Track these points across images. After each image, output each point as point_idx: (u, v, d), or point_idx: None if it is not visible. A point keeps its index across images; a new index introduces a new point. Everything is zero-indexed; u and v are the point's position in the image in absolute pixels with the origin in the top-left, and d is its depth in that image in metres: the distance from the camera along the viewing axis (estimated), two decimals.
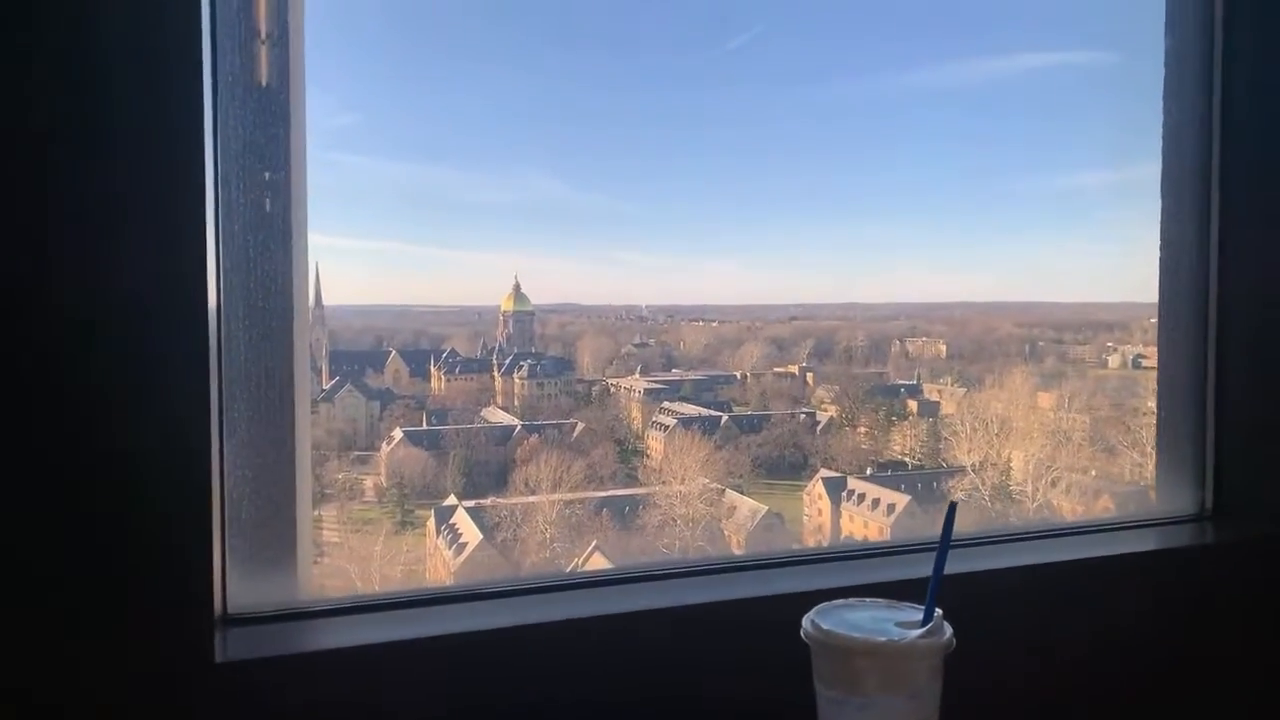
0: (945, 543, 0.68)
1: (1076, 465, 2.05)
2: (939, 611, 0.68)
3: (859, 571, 0.87)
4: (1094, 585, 0.89)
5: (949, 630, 0.68)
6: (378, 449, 1.98)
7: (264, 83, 0.83)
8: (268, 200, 0.83)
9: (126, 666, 0.66)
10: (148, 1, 0.66)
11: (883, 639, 0.67)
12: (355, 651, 0.74)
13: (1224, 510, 1.04)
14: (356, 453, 1.97)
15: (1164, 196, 1.08)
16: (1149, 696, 0.90)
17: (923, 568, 0.86)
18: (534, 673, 0.76)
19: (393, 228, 1.90)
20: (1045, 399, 2.09)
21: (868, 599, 0.74)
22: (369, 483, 1.95)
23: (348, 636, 0.76)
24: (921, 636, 0.67)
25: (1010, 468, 2.03)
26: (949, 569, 0.71)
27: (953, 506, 0.70)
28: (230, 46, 0.79)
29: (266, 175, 0.85)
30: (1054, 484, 2.09)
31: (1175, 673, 0.91)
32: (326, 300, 1.81)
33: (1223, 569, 0.95)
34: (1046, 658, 0.86)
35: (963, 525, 0.71)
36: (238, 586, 0.78)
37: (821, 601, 0.72)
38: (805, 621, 0.69)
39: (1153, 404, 1.52)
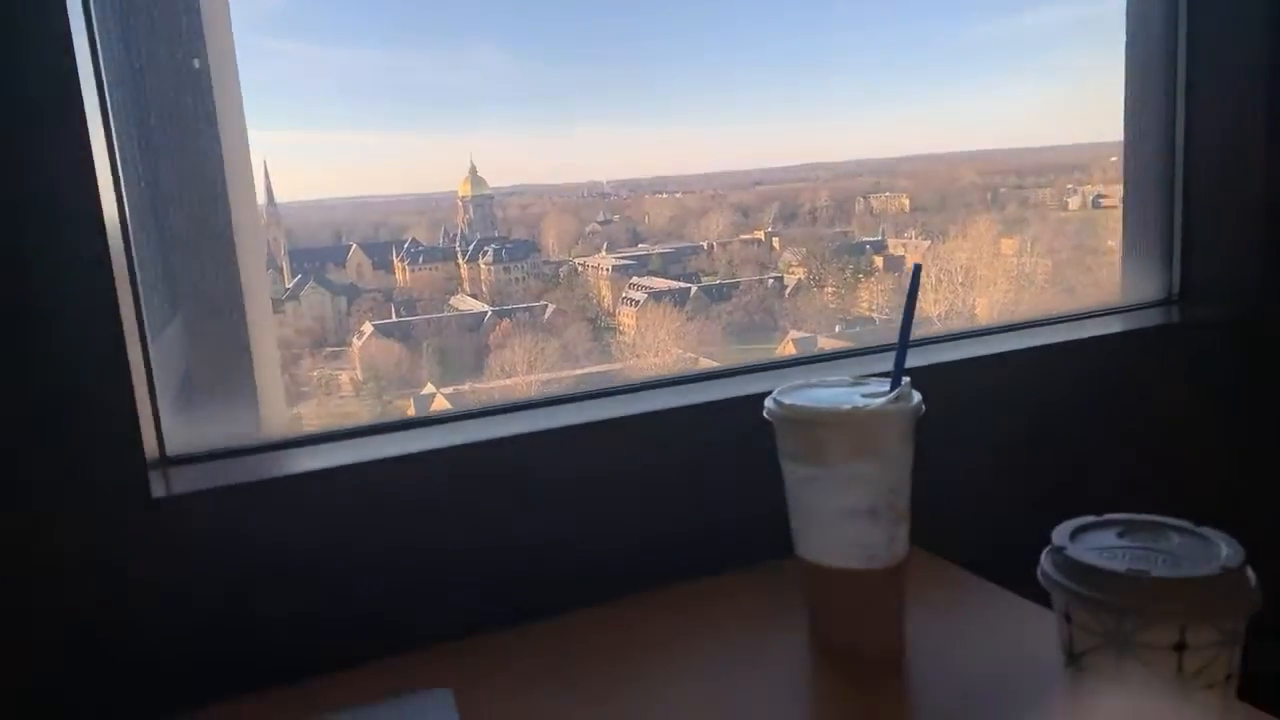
0: (911, 307, 0.69)
1: (1039, 307, 2.08)
2: (906, 379, 0.70)
3: (826, 372, 0.89)
4: (1064, 367, 0.91)
5: (917, 396, 0.69)
6: (349, 344, 1.97)
7: None
8: (189, 94, 0.80)
9: (62, 506, 0.67)
10: None
11: (849, 407, 0.68)
12: (297, 479, 0.74)
13: (1190, 294, 1.06)
14: (328, 349, 1.96)
15: None
16: (1114, 466, 0.93)
17: (888, 365, 0.88)
18: (493, 488, 0.77)
19: (339, 116, 1.84)
20: (1008, 245, 2.10)
21: (830, 378, 0.75)
22: (345, 377, 1.94)
23: (290, 465, 0.77)
24: (889, 402, 0.68)
25: (975, 314, 2.06)
26: (919, 360, 0.72)
27: (917, 268, 0.70)
28: None
29: (195, 63, 0.82)
30: None
31: (1147, 445, 0.94)
32: (279, 198, 1.76)
33: (1190, 348, 0.98)
34: (1009, 434, 0.88)
35: (927, 332, 0.72)
36: (188, 434, 0.78)
37: None
38: (768, 400, 0.71)
39: (1112, 243, 1.53)
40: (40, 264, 0.64)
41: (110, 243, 0.67)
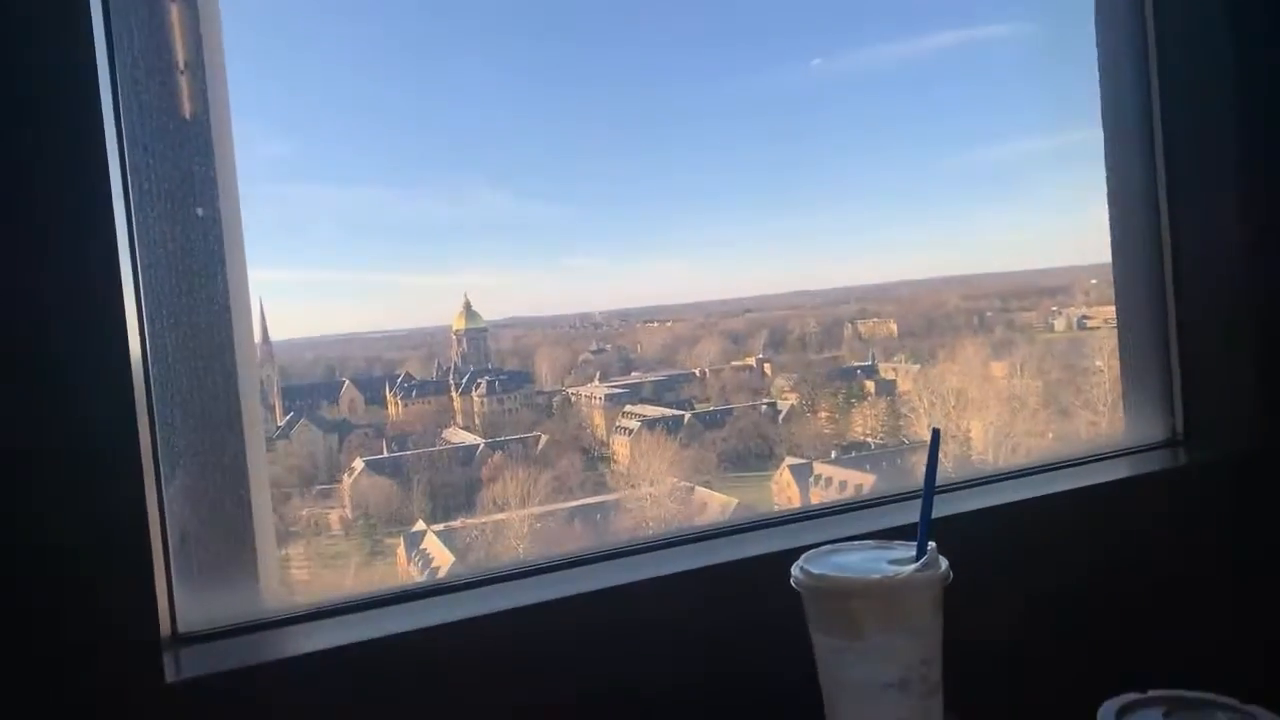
0: (932, 471, 0.69)
1: (1034, 430, 2.09)
2: (932, 544, 0.68)
3: (840, 526, 0.88)
4: (1073, 516, 0.91)
5: (945, 562, 0.68)
6: (340, 481, 1.94)
7: (187, 114, 0.81)
8: (199, 236, 0.81)
9: (78, 693, 0.64)
10: (36, 42, 0.64)
11: (878, 576, 0.67)
12: (314, 657, 0.71)
13: (1194, 434, 1.06)
14: (319, 487, 1.93)
15: (1105, 127, 1.11)
16: (1133, 618, 0.91)
17: (903, 516, 0.87)
18: (511, 661, 0.74)
19: (335, 256, 1.87)
20: (997, 367, 2.12)
21: (855, 541, 0.74)
22: (334, 516, 1.90)
23: (303, 643, 0.74)
24: (917, 570, 0.67)
25: (970, 438, 2.06)
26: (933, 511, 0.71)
27: (936, 433, 0.70)
28: (147, 78, 0.77)
29: (199, 211, 0.83)
30: (1014, 450, 2.13)
31: (1157, 594, 0.93)
32: (274, 335, 1.77)
33: (1196, 490, 0.98)
34: (1032, 591, 0.87)
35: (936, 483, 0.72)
36: (190, 607, 0.76)
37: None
38: (794, 569, 0.69)
39: (1100, 363, 1.55)
40: (70, 405, 0.62)
41: (136, 389, 0.66)
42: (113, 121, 0.70)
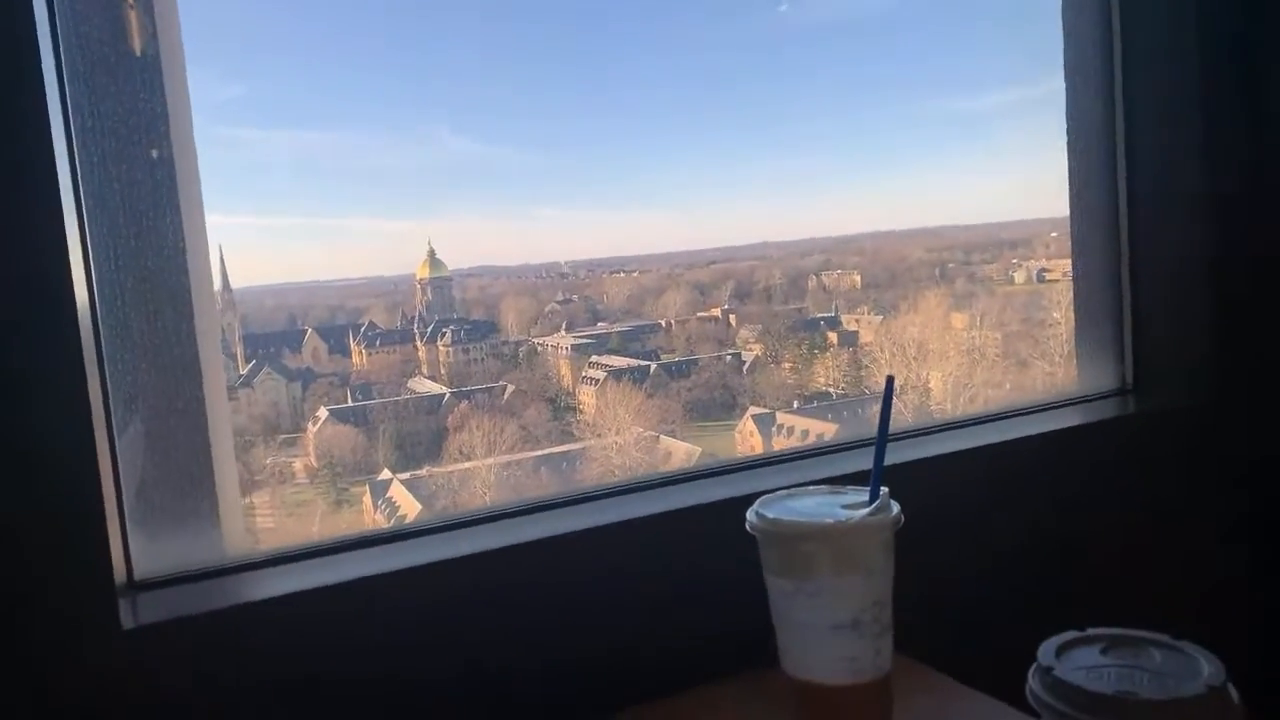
0: (886, 418, 0.70)
1: (991, 380, 2.13)
2: (884, 489, 0.70)
3: (798, 472, 0.89)
4: (1026, 462, 0.93)
5: (896, 507, 0.69)
6: (304, 430, 1.93)
7: (136, 49, 0.79)
8: (148, 177, 0.79)
9: (31, 640, 0.64)
10: None
11: (830, 520, 0.68)
12: (273, 602, 0.71)
13: (1142, 384, 1.09)
14: (283, 436, 1.92)
15: (1066, 78, 1.11)
16: (1085, 563, 0.95)
17: (859, 463, 0.89)
18: (469, 605, 0.75)
19: (297, 202, 1.84)
20: (958, 319, 2.15)
21: (810, 486, 0.75)
22: (299, 465, 1.90)
23: (262, 588, 0.74)
24: (869, 514, 0.69)
25: (929, 388, 2.10)
26: (887, 458, 0.72)
27: (890, 381, 0.71)
28: (89, 9, 0.74)
29: (154, 153, 0.81)
30: (972, 400, 2.17)
31: (1107, 538, 0.96)
32: (234, 283, 1.74)
33: (1145, 437, 1.00)
34: (981, 535, 0.89)
35: (892, 428, 0.73)
36: (148, 553, 0.75)
37: None
38: (750, 514, 0.70)
39: (1057, 315, 1.57)
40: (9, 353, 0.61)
41: (83, 334, 0.65)
42: (50, 52, 0.67)
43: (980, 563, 0.89)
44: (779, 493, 0.74)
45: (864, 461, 0.71)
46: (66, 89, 0.71)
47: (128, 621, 0.66)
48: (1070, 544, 0.95)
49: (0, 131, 0.62)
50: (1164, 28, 1.07)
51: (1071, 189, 1.13)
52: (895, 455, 0.73)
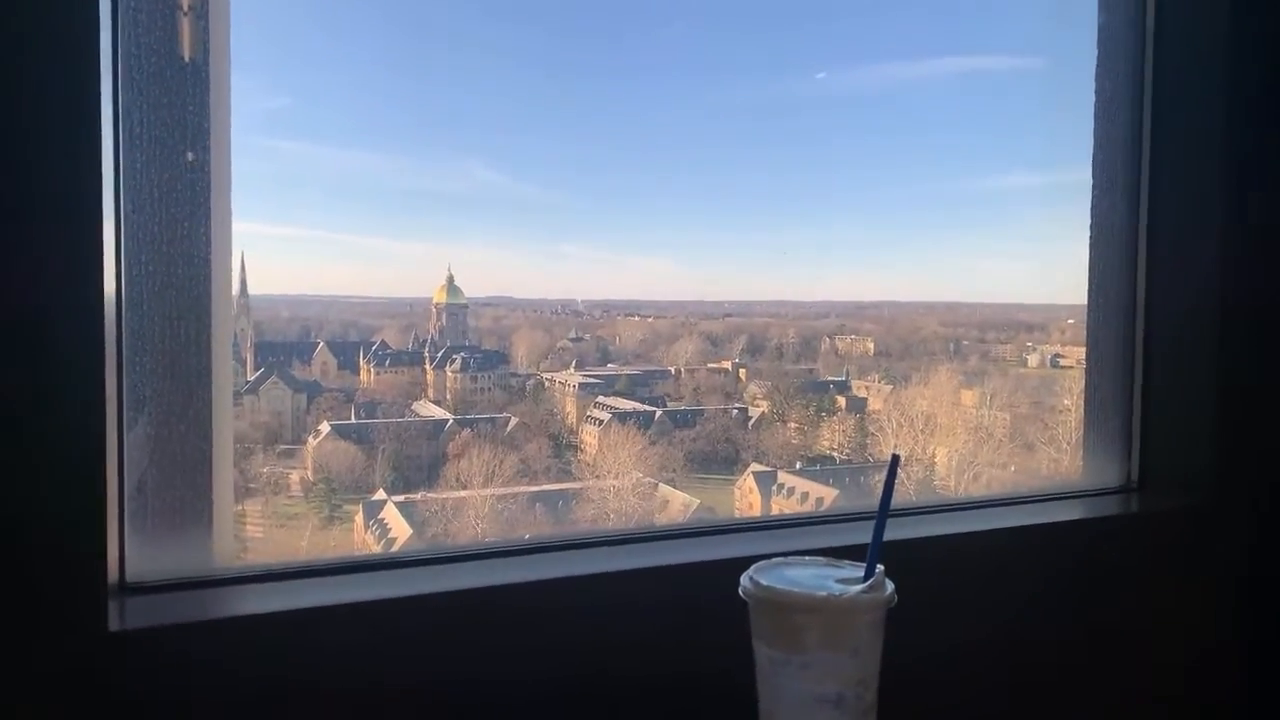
0: (887, 496, 0.70)
1: (997, 461, 2.12)
2: (880, 567, 0.69)
3: (796, 539, 0.88)
4: (1025, 552, 0.92)
5: (890, 586, 0.69)
6: (304, 442, 1.93)
7: (186, 57, 0.80)
8: (185, 184, 0.80)
9: (18, 635, 0.63)
10: None
11: (824, 594, 0.68)
12: (261, 619, 0.71)
13: (1148, 482, 1.09)
14: (282, 446, 1.92)
15: (1094, 176, 1.13)
16: (1078, 659, 0.93)
17: (858, 535, 0.88)
18: (459, 641, 0.75)
19: (324, 216, 1.86)
20: (968, 396, 2.15)
21: (807, 556, 0.75)
22: (295, 477, 1.89)
23: (253, 604, 0.74)
24: (863, 591, 0.68)
25: (934, 463, 2.08)
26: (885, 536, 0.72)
27: (895, 459, 0.71)
28: (149, 19, 0.76)
29: (190, 156, 0.82)
30: (975, 479, 2.16)
31: (1103, 636, 0.94)
32: (253, 290, 1.76)
33: (1147, 537, 1.00)
34: (979, 622, 0.88)
35: (893, 505, 0.72)
36: (141, 556, 0.75)
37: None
38: (744, 579, 0.70)
39: (1068, 402, 1.56)
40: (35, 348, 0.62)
41: (107, 336, 0.65)
42: (109, 57, 0.69)
43: (968, 650, 0.88)
44: (775, 560, 0.74)
45: (863, 534, 0.71)
46: (119, 95, 0.72)
47: (115, 624, 0.66)
48: (1064, 641, 0.94)
49: (56, 133, 0.63)
50: (1194, 132, 1.08)
51: (1091, 281, 1.14)
52: (894, 532, 0.72)
